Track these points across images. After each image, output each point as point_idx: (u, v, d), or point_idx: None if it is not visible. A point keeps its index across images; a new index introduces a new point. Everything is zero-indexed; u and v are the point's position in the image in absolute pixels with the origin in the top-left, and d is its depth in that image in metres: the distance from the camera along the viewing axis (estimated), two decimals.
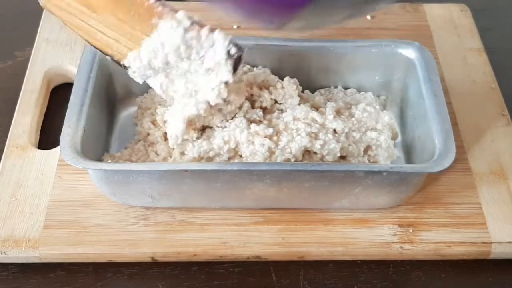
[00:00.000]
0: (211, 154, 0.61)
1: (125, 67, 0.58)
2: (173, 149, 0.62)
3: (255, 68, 0.66)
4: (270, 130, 0.60)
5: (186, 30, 0.56)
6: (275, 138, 0.61)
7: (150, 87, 0.68)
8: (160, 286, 0.58)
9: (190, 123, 0.60)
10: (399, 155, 0.66)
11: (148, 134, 0.64)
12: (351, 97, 0.67)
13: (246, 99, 0.63)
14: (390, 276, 0.60)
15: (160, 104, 0.65)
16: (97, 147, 0.63)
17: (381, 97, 0.69)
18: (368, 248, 0.60)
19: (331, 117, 0.63)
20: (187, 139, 0.61)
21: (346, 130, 0.63)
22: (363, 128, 0.64)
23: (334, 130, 0.63)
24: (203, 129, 0.62)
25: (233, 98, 0.61)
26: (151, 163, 0.61)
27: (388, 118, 0.66)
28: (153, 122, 0.65)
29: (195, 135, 0.61)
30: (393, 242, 0.60)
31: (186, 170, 0.57)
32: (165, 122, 0.63)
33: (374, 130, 0.64)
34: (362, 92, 0.69)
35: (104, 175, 0.58)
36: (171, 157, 0.62)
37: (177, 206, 0.61)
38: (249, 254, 0.59)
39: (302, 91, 0.67)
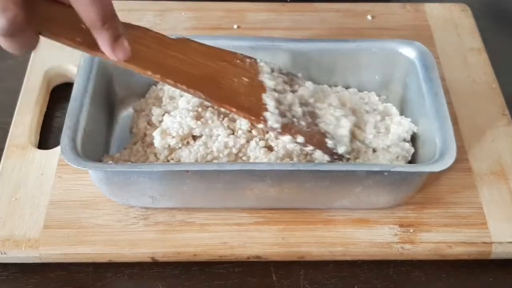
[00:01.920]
0: (209, 158, 0.60)
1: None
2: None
3: None
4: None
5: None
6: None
7: (149, 88, 0.68)
8: (160, 286, 0.58)
9: (165, 132, 0.60)
10: None
11: (145, 134, 0.64)
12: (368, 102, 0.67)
13: None
14: (390, 276, 0.60)
15: (154, 105, 0.65)
16: (97, 147, 0.63)
17: (381, 97, 0.69)
18: (368, 248, 0.59)
19: (371, 136, 0.63)
20: (178, 148, 0.61)
21: (384, 146, 0.63)
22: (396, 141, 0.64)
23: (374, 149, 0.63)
24: (195, 136, 0.62)
25: None
26: (152, 163, 0.61)
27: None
28: (149, 123, 0.65)
29: (173, 143, 0.60)
30: (394, 242, 0.60)
31: (187, 171, 0.57)
32: (160, 122, 0.63)
33: (408, 141, 0.64)
34: (364, 92, 0.69)
35: (105, 176, 0.58)
36: (169, 160, 0.62)
37: (178, 207, 0.61)
38: (249, 254, 0.59)
39: None
